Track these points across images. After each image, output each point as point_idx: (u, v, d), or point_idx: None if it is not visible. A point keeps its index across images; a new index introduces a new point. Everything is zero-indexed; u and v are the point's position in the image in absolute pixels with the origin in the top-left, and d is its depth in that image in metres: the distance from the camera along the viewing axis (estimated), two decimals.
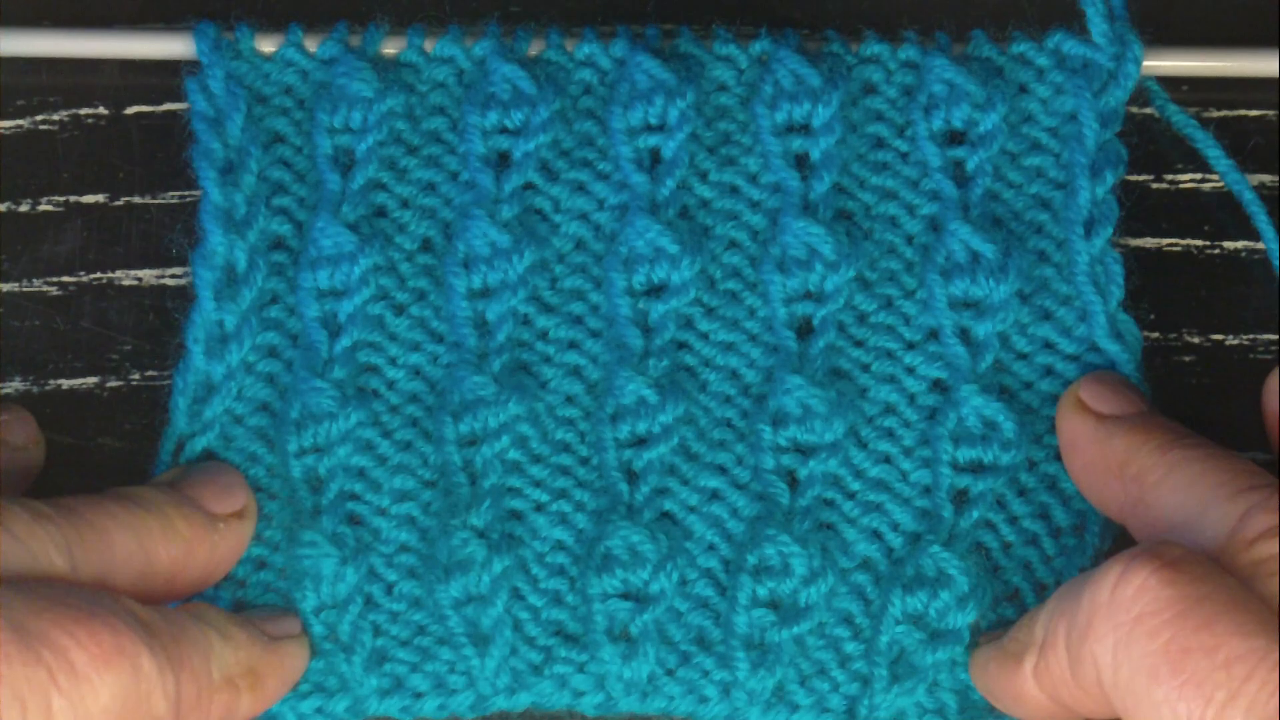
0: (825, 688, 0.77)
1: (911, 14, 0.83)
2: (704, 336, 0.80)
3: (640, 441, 0.78)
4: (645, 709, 0.78)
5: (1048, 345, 0.79)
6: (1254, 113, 0.83)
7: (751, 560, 0.77)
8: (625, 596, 0.77)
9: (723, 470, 0.79)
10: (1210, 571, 0.64)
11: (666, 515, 0.78)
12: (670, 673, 0.77)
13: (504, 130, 0.81)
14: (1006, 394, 0.78)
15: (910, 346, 0.79)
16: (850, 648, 0.77)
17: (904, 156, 0.81)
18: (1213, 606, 0.63)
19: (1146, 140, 0.82)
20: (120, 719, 0.65)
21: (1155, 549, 0.65)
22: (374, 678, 0.77)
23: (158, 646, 0.66)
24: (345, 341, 0.79)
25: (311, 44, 0.81)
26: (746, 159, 0.81)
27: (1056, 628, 0.68)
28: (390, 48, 0.81)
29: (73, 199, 0.83)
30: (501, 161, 0.81)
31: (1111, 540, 0.77)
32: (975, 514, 0.77)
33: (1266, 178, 0.82)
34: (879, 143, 0.81)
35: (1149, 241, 0.83)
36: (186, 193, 0.83)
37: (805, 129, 0.80)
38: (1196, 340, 0.82)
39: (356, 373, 0.79)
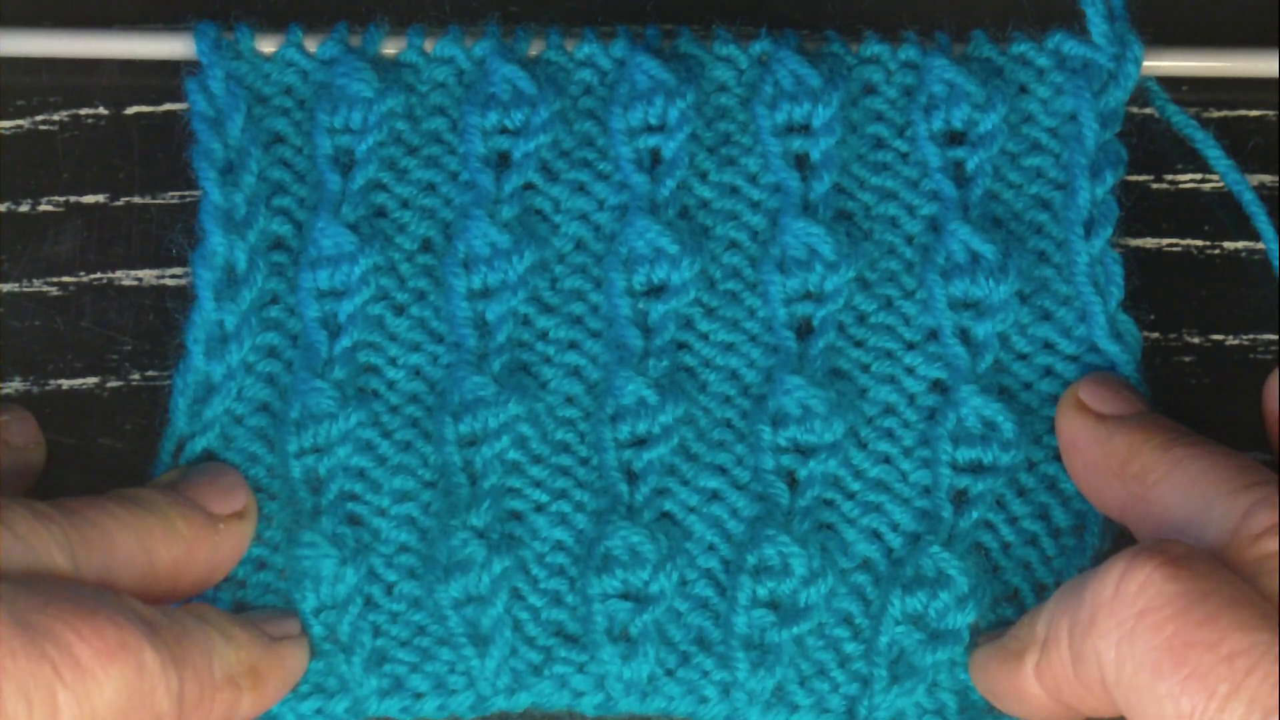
0: (825, 688, 0.77)
1: (911, 14, 0.83)
2: (704, 337, 0.80)
3: (640, 442, 0.78)
4: (645, 709, 0.78)
5: (1047, 346, 0.79)
6: (1254, 113, 0.83)
7: (751, 560, 0.77)
8: (625, 597, 0.77)
9: (722, 470, 0.79)
10: (1213, 568, 0.64)
11: (666, 515, 0.78)
12: (670, 673, 0.77)
13: (504, 130, 0.81)
14: (1006, 394, 0.78)
15: (910, 347, 0.79)
16: (850, 648, 0.77)
17: (904, 157, 0.81)
18: (1216, 602, 0.63)
19: (1146, 140, 0.82)
20: (125, 715, 0.65)
21: (1159, 546, 0.65)
22: (374, 678, 0.77)
23: (161, 644, 0.66)
24: (345, 342, 0.79)
25: (311, 44, 0.81)
26: (746, 159, 0.81)
27: (1059, 625, 0.68)
28: (390, 48, 0.81)
29: (73, 199, 0.83)
30: (501, 162, 0.81)
31: (1111, 540, 0.77)
32: (975, 514, 0.77)
33: (1266, 178, 0.82)
34: (879, 143, 0.81)
35: (1149, 241, 0.83)
36: (186, 193, 0.83)
37: (805, 129, 0.80)
38: (1196, 340, 0.82)
39: (356, 373, 0.79)
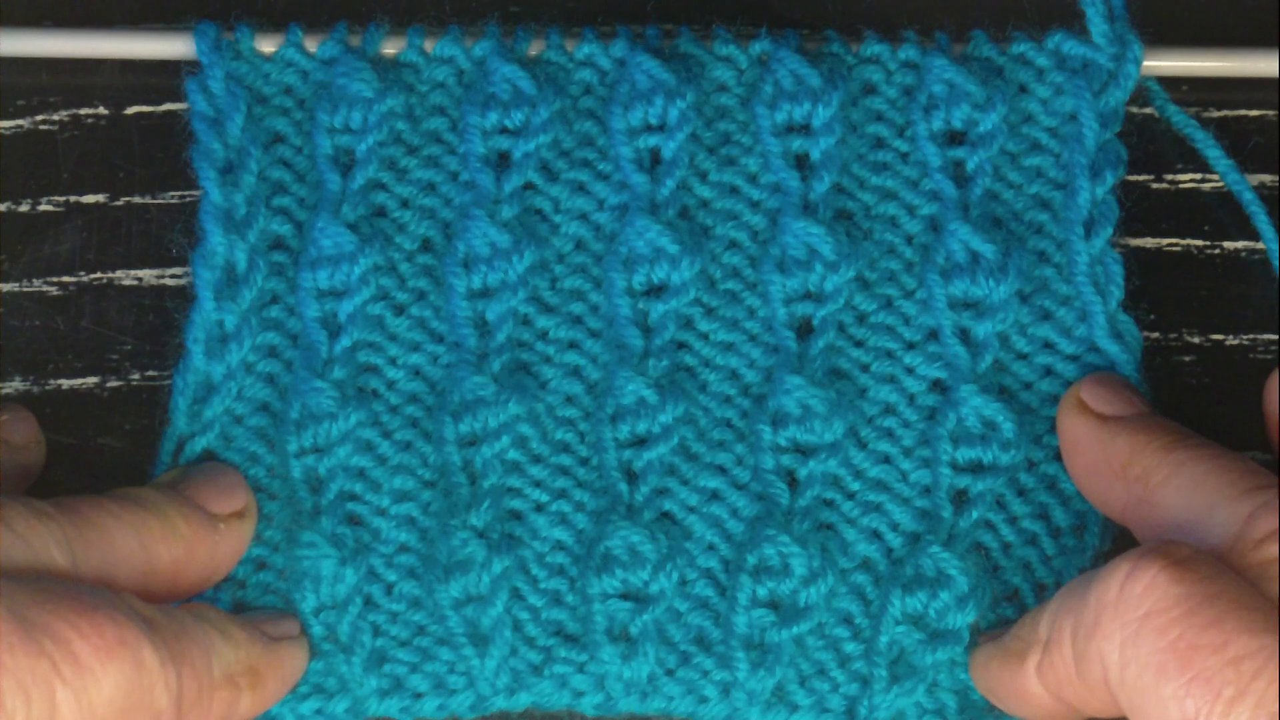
0: (825, 688, 0.77)
1: (911, 14, 0.83)
2: (704, 337, 0.80)
3: (640, 441, 0.78)
4: (645, 709, 0.78)
5: (1047, 345, 0.79)
6: (1254, 113, 0.83)
7: (751, 560, 0.77)
8: (625, 597, 0.77)
9: (722, 470, 0.79)
10: (1218, 570, 0.64)
11: (666, 515, 0.78)
12: (670, 673, 0.77)
13: (504, 130, 0.81)
14: (1006, 394, 0.78)
15: (910, 346, 0.79)
16: (850, 648, 0.77)
17: (904, 157, 0.81)
18: (1221, 605, 0.63)
19: (1146, 140, 0.82)
20: (123, 711, 0.65)
21: (1163, 547, 0.65)
22: (373, 678, 0.77)
23: (160, 641, 0.66)
24: (345, 341, 0.79)
25: (311, 44, 0.81)
26: (746, 159, 0.81)
27: (1062, 626, 0.68)
28: (390, 48, 0.81)
29: (73, 199, 0.83)
30: (501, 161, 0.81)
31: (1111, 541, 0.77)
32: (975, 514, 0.77)
33: (1266, 178, 0.82)
34: (879, 143, 0.81)
35: (1149, 241, 0.83)
36: (186, 193, 0.83)
37: (805, 129, 0.80)
38: (1196, 340, 0.82)
39: (356, 373, 0.79)
